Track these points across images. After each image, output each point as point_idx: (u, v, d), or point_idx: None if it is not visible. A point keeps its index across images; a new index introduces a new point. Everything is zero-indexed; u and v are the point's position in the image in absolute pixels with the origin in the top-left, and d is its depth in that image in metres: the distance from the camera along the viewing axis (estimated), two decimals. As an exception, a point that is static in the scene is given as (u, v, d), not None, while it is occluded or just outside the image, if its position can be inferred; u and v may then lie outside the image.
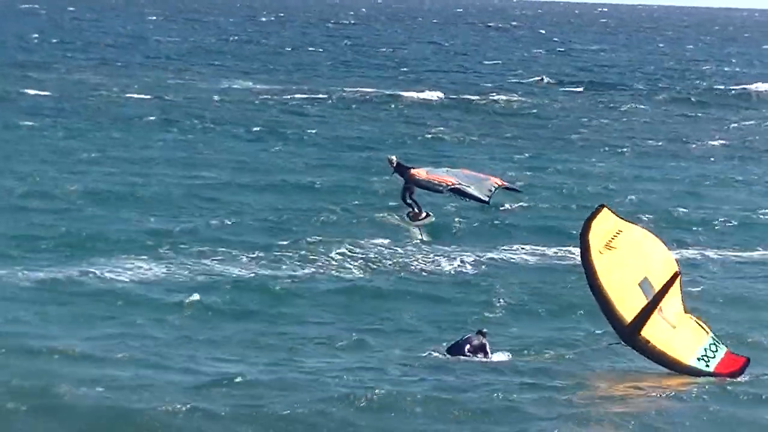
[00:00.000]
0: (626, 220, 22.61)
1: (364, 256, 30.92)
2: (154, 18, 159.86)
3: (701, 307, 24.25)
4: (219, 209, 35.84)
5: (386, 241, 32.37)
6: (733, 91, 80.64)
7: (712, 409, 19.11)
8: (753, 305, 27.92)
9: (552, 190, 41.22)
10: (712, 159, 51.33)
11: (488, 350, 22.39)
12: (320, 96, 68.33)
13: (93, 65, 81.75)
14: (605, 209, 22.05)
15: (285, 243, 31.68)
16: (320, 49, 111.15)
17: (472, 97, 70.89)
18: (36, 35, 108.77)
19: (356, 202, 37.49)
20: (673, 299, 21.34)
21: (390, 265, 30.39)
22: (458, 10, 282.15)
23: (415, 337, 24.38)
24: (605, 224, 21.68)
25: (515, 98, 71.53)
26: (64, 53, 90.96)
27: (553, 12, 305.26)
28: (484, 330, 22.88)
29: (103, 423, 17.62)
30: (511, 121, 61.72)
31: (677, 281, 21.38)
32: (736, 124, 64.34)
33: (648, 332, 20.86)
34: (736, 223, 37.14)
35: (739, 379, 20.94)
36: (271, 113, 60.44)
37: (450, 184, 32.59)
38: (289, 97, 67.50)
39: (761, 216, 38.41)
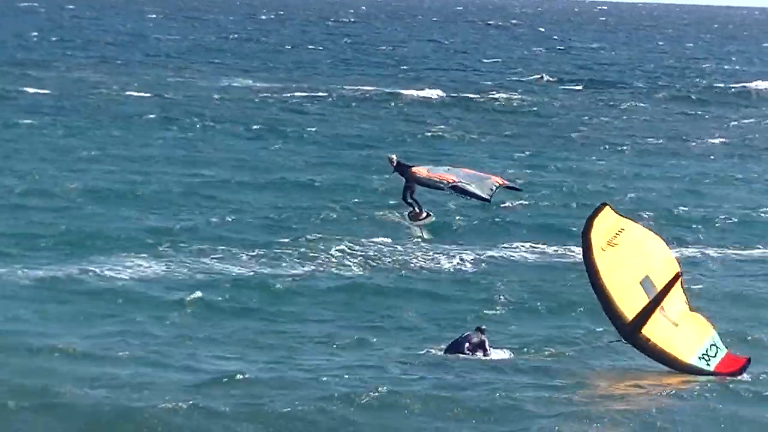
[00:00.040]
0: (628, 218, 22.61)
1: (363, 254, 30.91)
2: (154, 16, 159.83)
3: (701, 304, 24.14)
4: (219, 207, 35.82)
5: (386, 239, 32.36)
6: (732, 89, 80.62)
7: (712, 408, 19.10)
8: (753, 303, 27.90)
9: (552, 188, 41.19)
10: (712, 157, 51.30)
11: (487, 347, 22.39)
12: (320, 94, 68.30)
13: (92, 63, 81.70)
14: (607, 207, 22.05)
15: (285, 241, 31.66)
16: (320, 47, 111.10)
17: (472, 96, 70.84)
18: (35, 33, 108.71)
19: (356, 200, 37.48)
20: (676, 297, 21.33)
21: (390, 263, 30.38)
22: (458, 8, 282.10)
23: (415, 335, 24.38)
24: (607, 222, 21.69)
25: (515, 96, 71.51)
26: (64, 51, 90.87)
27: (552, 10, 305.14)
28: (483, 327, 22.86)
29: (103, 421, 17.61)
30: (511, 119, 61.71)
31: (678, 282, 21.39)
32: (735, 122, 64.32)
33: (649, 330, 20.85)
34: (736, 220, 37.14)
35: (739, 377, 20.93)
36: (271, 111, 60.40)
37: (451, 181, 32.53)
38: (288, 95, 67.47)
39: (761, 214, 38.41)
